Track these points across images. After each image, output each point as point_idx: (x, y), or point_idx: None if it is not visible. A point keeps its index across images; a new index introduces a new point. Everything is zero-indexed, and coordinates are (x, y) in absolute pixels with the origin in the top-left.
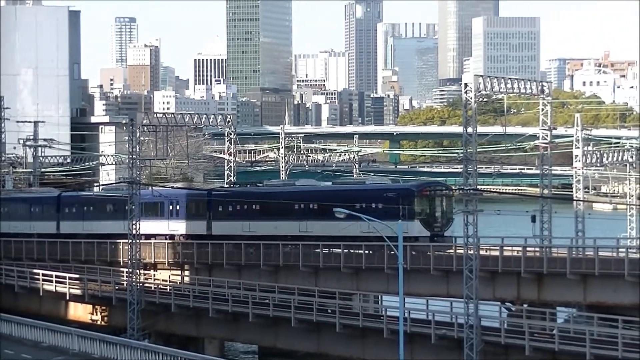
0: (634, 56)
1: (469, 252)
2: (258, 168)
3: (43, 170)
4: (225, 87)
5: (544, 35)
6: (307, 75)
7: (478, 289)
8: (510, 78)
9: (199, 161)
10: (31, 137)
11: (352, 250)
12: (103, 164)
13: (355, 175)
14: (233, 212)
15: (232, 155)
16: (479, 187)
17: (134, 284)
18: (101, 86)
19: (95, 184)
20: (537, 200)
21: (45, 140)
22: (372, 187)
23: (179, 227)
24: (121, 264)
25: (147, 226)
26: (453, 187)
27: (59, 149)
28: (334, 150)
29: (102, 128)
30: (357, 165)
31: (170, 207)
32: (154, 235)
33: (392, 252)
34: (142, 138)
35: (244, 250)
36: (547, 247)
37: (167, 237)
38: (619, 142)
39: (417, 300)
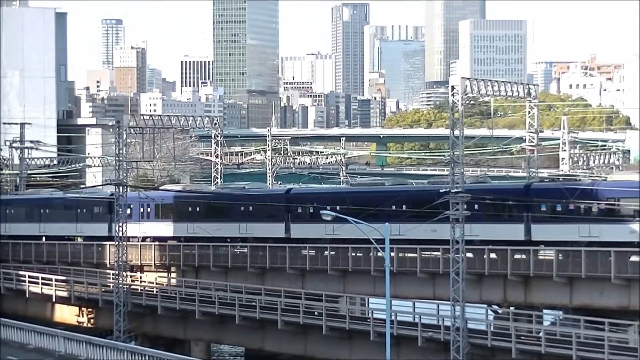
0: (620, 59)
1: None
2: (245, 170)
3: (29, 172)
4: (212, 89)
5: (531, 38)
6: (294, 77)
7: (465, 291)
8: (497, 81)
9: (185, 163)
10: (18, 139)
11: (339, 253)
12: (89, 166)
13: (342, 177)
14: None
15: (219, 157)
16: None
17: (120, 286)
18: (88, 88)
19: (82, 186)
20: None
21: (31, 142)
22: None
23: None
24: (107, 265)
25: None
26: None
27: (46, 151)
28: (321, 152)
29: (88, 130)
30: (344, 168)
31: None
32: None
33: (380, 254)
34: (128, 140)
35: (230, 253)
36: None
37: None
38: (605, 145)
39: (403, 303)
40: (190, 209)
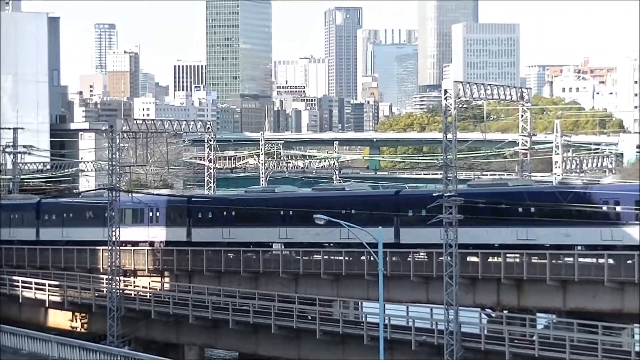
0: (613, 62)
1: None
2: (238, 174)
3: (22, 176)
4: (205, 93)
5: (524, 42)
6: (287, 81)
7: (458, 295)
8: (490, 84)
9: (178, 167)
10: (10, 144)
11: (331, 257)
12: (83, 171)
13: (335, 182)
14: None
15: (212, 161)
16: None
17: (113, 290)
18: (81, 93)
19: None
20: None
21: (24, 146)
22: None
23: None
24: (101, 270)
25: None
26: None
27: (39, 156)
28: (314, 156)
29: (81, 134)
30: (337, 172)
31: None
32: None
33: (372, 258)
34: (121, 144)
35: (223, 257)
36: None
37: None
38: (598, 148)
39: (397, 307)
40: None
